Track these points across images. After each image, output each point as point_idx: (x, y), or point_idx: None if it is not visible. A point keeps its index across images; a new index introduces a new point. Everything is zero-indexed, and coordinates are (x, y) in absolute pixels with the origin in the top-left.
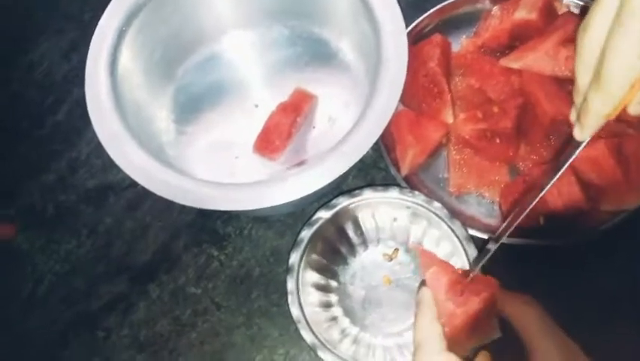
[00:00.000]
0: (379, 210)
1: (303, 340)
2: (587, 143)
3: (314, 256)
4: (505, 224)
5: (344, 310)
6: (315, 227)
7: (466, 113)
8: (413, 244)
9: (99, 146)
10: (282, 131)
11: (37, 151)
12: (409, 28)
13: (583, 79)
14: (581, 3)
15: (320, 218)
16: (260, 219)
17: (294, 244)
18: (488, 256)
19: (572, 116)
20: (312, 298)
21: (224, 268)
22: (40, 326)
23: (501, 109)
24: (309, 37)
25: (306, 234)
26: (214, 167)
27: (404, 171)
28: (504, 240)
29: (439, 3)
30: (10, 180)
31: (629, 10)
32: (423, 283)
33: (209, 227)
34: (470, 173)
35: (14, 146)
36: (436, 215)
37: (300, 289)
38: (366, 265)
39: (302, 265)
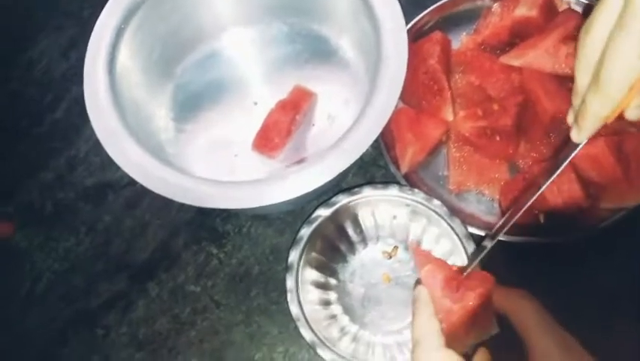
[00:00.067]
0: (379, 208)
1: (303, 338)
2: (585, 144)
3: (313, 254)
4: (501, 222)
5: (343, 308)
6: (314, 225)
7: (466, 110)
8: (411, 242)
9: (98, 144)
10: (282, 129)
11: (36, 149)
12: (409, 25)
13: (582, 80)
14: (582, 0)
15: (319, 216)
16: (259, 217)
17: (294, 241)
18: (484, 254)
19: (570, 119)
20: (311, 296)
21: (224, 266)
22: (39, 323)
23: (501, 106)
24: (308, 35)
25: (305, 232)
26: (213, 165)
27: (404, 168)
28: (504, 237)
29: (439, 0)
30: (8, 178)
31: (632, 11)
32: (418, 281)
33: (209, 225)
34: (470, 170)
35: (13, 143)
36: (436, 213)
37: (300, 287)
38: (366, 262)
39: (301, 263)
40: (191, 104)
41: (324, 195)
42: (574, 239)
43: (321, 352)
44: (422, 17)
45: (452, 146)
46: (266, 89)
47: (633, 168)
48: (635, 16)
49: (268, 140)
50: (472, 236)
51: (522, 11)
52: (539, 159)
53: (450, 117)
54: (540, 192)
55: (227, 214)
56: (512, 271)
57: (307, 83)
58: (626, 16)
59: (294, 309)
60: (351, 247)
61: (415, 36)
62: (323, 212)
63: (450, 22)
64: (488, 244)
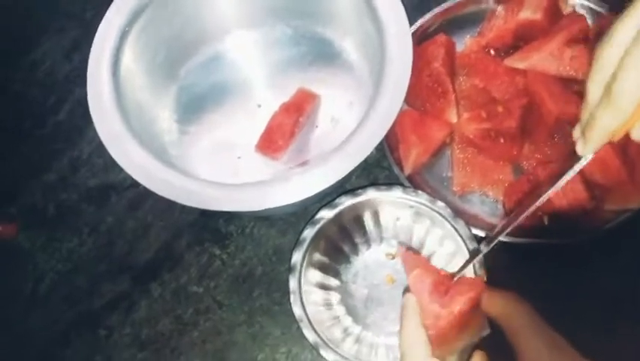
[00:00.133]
0: (382, 210)
1: (305, 339)
2: (588, 161)
3: (316, 255)
4: (498, 228)
5: (346, 309)
6: (317, 226)
7: (470, 112)
8: (399, 247)
9: (101, 145)
10: (285, 131)
11: (39, 150)
12: (413, 28)
13: (594, 94)
14: (587, 3)
15: (323, 217)
16: (262, 218)
17: (297, 243)
18: (477, 258)
19: (576, 133)
20: (314, 297)
21: (227, 267)
22: (42, 324)
23: (505, 109)
24: (312, 37)
25: (308, 233)
26: (217, 167)
27: (407, 170)
28: (508, 239)
29: (443, 3)
30: (11, 179)
31: None
32: (407, 288)
33: (212, 226)
34: (474, 172)
35: (16, 145)
36: (440, 214)
37: (303, 288)
38: (369, 264)
39: (304, 264)
40: (194, 107)
41: (327, 196)
42: (578, 241)
43: (324, 353)
44: (426, 20)
45: (456, 147)
46: (269, 92)
47: (638, 169)
48: None
49: (272, 142)
50: (476, 238)
51: (526, 14)
52: (543, 160)
53: (454, 119)
54: (541, 201)
55: (230, 215)
56: (516, 273)
57: (311, 85)
58: None
59: (296, 310)
60: (355, 248)
61: (420, 39)
62: (326, 213)
63: (454, 24)
64: (484, 248)
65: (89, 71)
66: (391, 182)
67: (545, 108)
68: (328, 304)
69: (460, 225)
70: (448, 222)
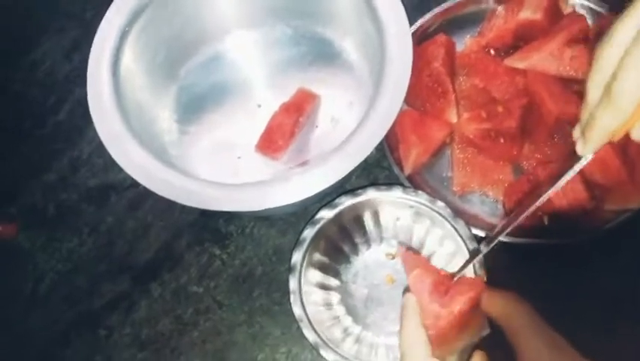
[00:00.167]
0: (382, 210)
1: (305, 339)
2: (588, 161)
3: (316, 255)
4: (498, 228)
5: (346, 309)
6: (317, 226)
7: (470, 112)
8: (399, 248)
9: (100, 145)
10: (285, 131)
11: (39, 150)
12: (413, 28)
13: (594, 94)
14: (587, 3)
15: (323, 217)
16: (262, 218)
17: (297, 243)
18: (477, 258)
19: (576, 133)
20: (314, 297)
21: (227, 266)
22: (42, 324)
23: (505, 109)
24: (312, 37)
25: (308, 233)
26: (217, 167)
27: (407, 170)
28: (508, 239)
29: (443, 3)
30: (11, 179)
31: None
32: (407, 288)
33: (212, 226)
34: (474, 172)
35: (16, 145)
36: (440, 214)
37: (303, 288)
38: (369, 264)
39: (304, 264)
40: (194, 107)
41: (327, 196)
42: (578, 241)
43: (324, 353)
44: (426, 20)
45: (456, 147)
46: (269, 92)
47: (638, 169)
48: None
49: (272, 142)
50: (476, 238)
51: (526, 14)
52: (543, 160)
53: (454, 119)
54: (541, 201)
55: (230, 215)
56: (516, 273)
57: (311, 85)
58: None
59: (297, 310)
60: (355, 248)
61: (420, 39)
62: (326, 213)
63: (454, 24)
64: (484, 248)
65: (89, 71)
66: (391, 182)
67: (545, 108)
68: (328, 304)
69: (460, 225)
70: (448, 222)
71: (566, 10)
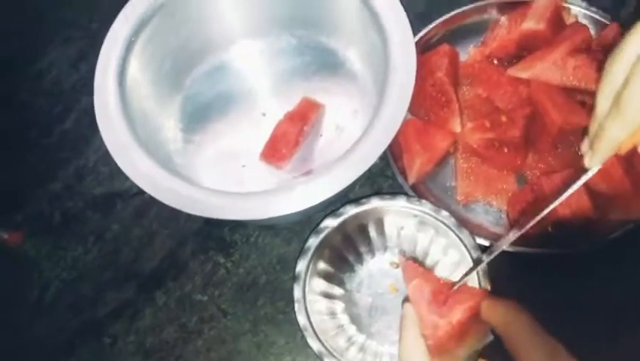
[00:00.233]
0: (386, 219)
1: (310, 348)
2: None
3: (321, 264)
4: (502, 240)
5: (350, 318)
6: (322, 235)
7: (473, 122)
8: (400, 257)
9: (106, 154)
10: (290, 139)
11: (45, 159)
12: (417, 37)
13: (603, 106)
14: (590, 14)
15: (327, 226)
16: (267, 226)
17: (301, 251)
18: (483, 268)
19: (584, 147)
20: (318, 305)
21: (231, 275)
22: (47, 332)
23: (509, 118)
24: (316, 47)
25: (313, 242)
26: (221, 176)
27: (411, 179)
28: (512, 248)
29: (446, 13)
30: (18, 188)
31: None
32: (406, 298)
33: (216, 234)
34: (477, 181)
35: (22, 154)
36: (444, 224)
37: (307, 297)
38: (373, 273)
39: (309, 272)
40: (199, 116)
41: (331, 205)
42: (582, 250)
43: None
44: (430, 30)
45: (460, 157)
46: (274, 101)
47: None
48: None
49: (276, 151)
50: (480, 247)
51: (530, 24)
52: (547, 170)
53: (458, 129)
54: (544, 213)
55: (234, 224)
56: (519, 282)
57: (315, 94)
58: None
59: (301, 319)
60: (359, 257)
61: (423, 48)
62: (330, 222)
63: (457, 34)
64: (485, 258)
65: (95, 81)
66: (395, 191)
67: (549, 118)
68: (332, 313)
69: (464, 234)
70: (452, 231)
71: (569, 20)
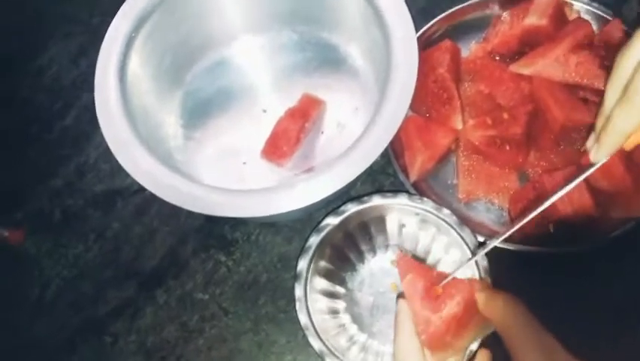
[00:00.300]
0: (388, 217)
1: (311, 347)
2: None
3: (322, 263)
4: (497, 236)
5: (352, 317)
6: (323, 233)
7: (475, 119)
8: (398, 252)
9: (107, 151)
10: (290, 136)
11: (46, 156)
12: (418, 33)
13: (611, 100)
14: (592, 9)
15: (328, 224)
16: (268, 224)
17: (302, 250)
18: (468, 262)
19: (589, 143)
20: (319, 304)
21: (232, 273)
22: (48, 330)
23: (511, 115)
24: (318, 43)
25: (314, 240)
26: (222, 172)
27: (413, 177)
28: (513, 246)
29: (448, 9)
30: (18, 185)
31: None
32: (401, 294)
33: (217, 232)
34: (479, 179)
35: (22, 150)
36: (445, 222)
37: (308, 296)
38: (375, 271)
39: (310, 271)
40: (200, 112)
41: (332, 203)
42: (583, 249)
43: None
44: (431, 26)
45: (461, 154)
46: (275, 97)
47: None
48: None
49: (277, 148)
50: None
51: (532, 20)
52: (549, 167)
53: (459, 126)
54: (542, 209)
55: (235, 222)
56: (520, 281)
57: (316, 91)
58: None
59: (302, 318)
60: (360, 255)
61: (425, 44)
62: (332, 220)
63: (459, 30)
64: (479, 252)
65: (96, 77)
66: (397, 189)
67: (551, 115)
68: (334, 312)
69: (466, 232)
70: (454, 229)
71: (571, 16)
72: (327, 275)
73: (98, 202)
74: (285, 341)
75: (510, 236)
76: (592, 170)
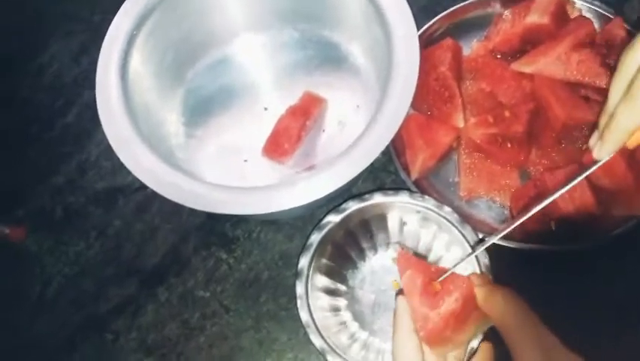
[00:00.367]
0: (389, 215)
1: (312, 344)
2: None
3: (323, 260)
4: (499, 232)
5: (353, 315)
6: (324, 231)
7: (476, 117)
8: (399, 250)
9: (108, 148)
10: (292, 134)
11: (47, 153)
12: (420, 31)
13: (615, 98)
14: (594, 8)
15: (329, 222)
16: (269, 222)
17: (304, 247)
18: (466, 258)
19: (592, 141)
20: (321, 302)
21: (233, 271)
22: (49, 328)
23: (512, 113)
24: (319, 41)
25: (315, 238)
26: (223, 170)
27: (414, 175)
28: (515, 244)
29: (450, 7)
30: (19, 183)
31: None
32: (400, 291)
33: (218, 230)
34: (480, 177)
35: (24, 148)
36: (447, 220)
37: (309, 294)
38: (376, 269)
39: (311, 269)
40: (201, 109)
41: (334, 201)
42: (585, 247)
43: (331, 359)
44: (433, 24)
45: (463, 152)
46: (276, 95)
47: None
48: None
49: (278, 145)
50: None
51: (533, 18)
52: (550, 166)
53: (461, 124)
54: (542, 206)
55: (237, 219)
56: (522, 278)
57: (317, 89)
58: None
59: (303, 315)
60: (362, 253)
61: (426, 43)
62: (333, 218)
63: (461, 28)
64: (478, 248)
65: (97, 74)
66: (398, 187)
67: (552, 113)
68: (335, 310)
69: (467, 230)
70: (455, 227)
71: (573, 14)
72: (329, 273)
73: (100, 200)
74: (286, 339)
75: (512, 234)
76: (594, 168)
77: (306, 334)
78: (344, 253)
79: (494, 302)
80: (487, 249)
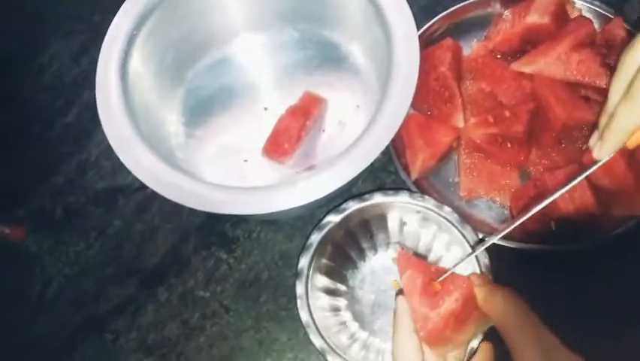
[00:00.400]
0: (389, 215)
1: (312, 344)
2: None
3: (323, 260)
4: (499, 232)
5: (353, 315)
6: (324, 231)
7: (477, 117)
8: (399, 250)
9: (109, 148)
10: (292, 134)
11: (47, 153)
12: (420, 31)
13: (615, 98)
14: (594, 7)
15: (329, 222)
16: (269, 222)
17: (304, 247)
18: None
19: (592, 141)
20: (321, 302)
21: (233, 271)
22: (49, 328)
23: (512, 113)
24: (319, 41)
25: (315, 238)
26: (223, 170)
27: (414, 175)
28: (515, 244)
29: (450, 7)
30: (19, 183)
31: None
32: (400, 291)
33: (218, 230)
34: (480, 177)
35: (24, 148)
36: (447, 220)
37: (309, 294)
38: (376, 269)
39: (311, 269)
40: (201, 109)
41: (334, 201)
42: (586, 247)
43: (331, 359)
44: (433, 24)
45: (463, 152)
46: (276, 95)
47: None
48: None
49: (278, 145)
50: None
51: (534, 18)
52: (551, 165)
53: (461, 124)
54: (542, 206)
55: (237, 219)
56: (522, 279)
57: (318, 89)
58: None
59: (303, 315)
60: (361, 253)
61: (426, 43)
62: (333, 218)
63: (461, 28)
64: (478, 248)
65: (97, 74)
66: (398, 187)
67: (552, 113)
68: (335, 310)
69: (467, 230)
70: (455, 227)
71: (573, 14)
72: (329, 273)
73: (100, 200)
74: (286, 339)
75: (512, 234)
76: (594, 168)
77: (306, 334)
78: (344, 253)
79: (494, 302)
80: (487, 249)
